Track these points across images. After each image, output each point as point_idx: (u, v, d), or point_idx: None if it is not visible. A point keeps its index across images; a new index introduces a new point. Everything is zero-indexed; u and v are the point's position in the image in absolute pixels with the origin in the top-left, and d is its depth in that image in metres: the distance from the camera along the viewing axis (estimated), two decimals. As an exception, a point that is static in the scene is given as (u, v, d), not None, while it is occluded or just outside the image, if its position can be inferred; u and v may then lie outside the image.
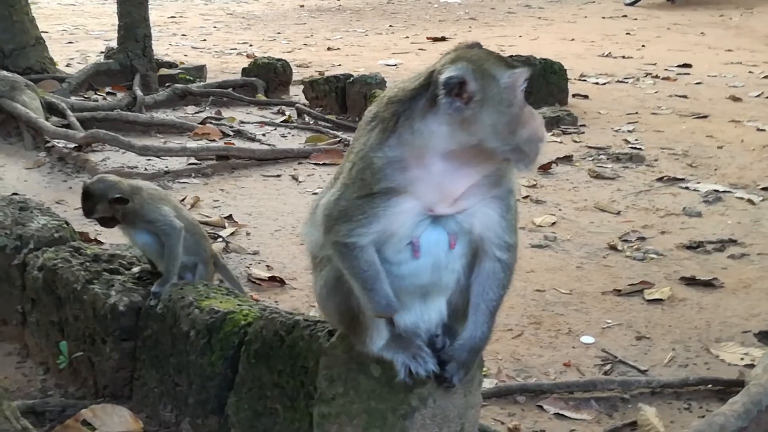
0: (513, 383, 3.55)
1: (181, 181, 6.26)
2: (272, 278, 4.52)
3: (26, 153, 6.91)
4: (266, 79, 9.26)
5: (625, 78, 10.49)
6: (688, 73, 10.75)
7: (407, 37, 14.43)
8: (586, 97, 9.27)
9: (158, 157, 6.66)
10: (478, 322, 2.21)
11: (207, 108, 8.55)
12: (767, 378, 3.23)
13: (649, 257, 4.92)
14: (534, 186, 6.18)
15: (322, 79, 8.71)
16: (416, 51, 12.77)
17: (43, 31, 9.79)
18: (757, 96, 9.43)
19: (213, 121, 7.90)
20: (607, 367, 3.73)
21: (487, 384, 3.48)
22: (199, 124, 7.72)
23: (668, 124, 8.14)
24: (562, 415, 3.37)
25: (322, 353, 2.44)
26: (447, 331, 2.28)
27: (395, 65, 11.39)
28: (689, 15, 16.72)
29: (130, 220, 3.31)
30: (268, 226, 5.34)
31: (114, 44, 9.59)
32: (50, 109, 7.46)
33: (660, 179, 6.37)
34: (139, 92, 8.36)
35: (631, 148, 7.19)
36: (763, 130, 7.88)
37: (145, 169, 6.51)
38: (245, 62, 9.99)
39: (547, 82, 8.58)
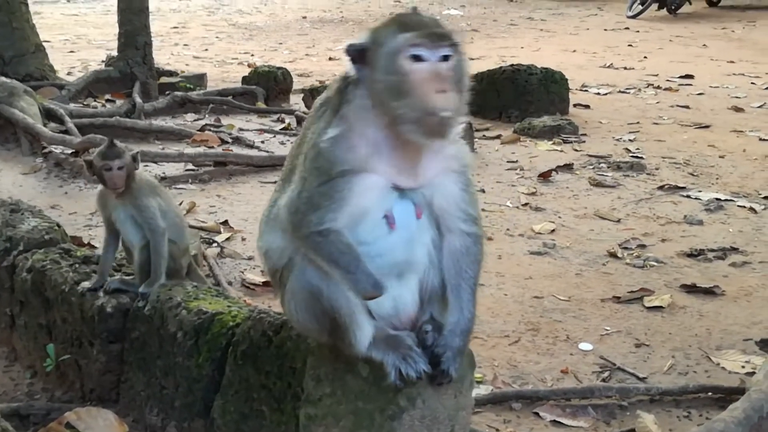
0: (509, 389, 3.47)
1: (177, 186, 6.22)
2: (266, 283, 4.44)
3: (23, 158, 6.88)
4: (266, 87, 9.22)
5: (627, 88, 10.45)
6: (690, 84, 10.71)
7: (409, 47, 14.42)
8: (587, 106, 9.23)
9: (155, 162, 6.63)
10: (463, 302, 2.20)
11: (206, 116, 8.51)
12: (768, 385, 3.16)
13: (649, 265, 4.84)
14: (534, 194, 6.12)
15: (323, 87, 8.67)
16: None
17: (45, 40, 9.79)
18: (760, 107, 9.38)
19: (212, 129, 7.87)
20: (606, 374, 3.65)
21: (483, 390, 3.41)
22: (197, 131, 7.69)
23: (669, 133, 8.09)
24: (559, 422, 3.28)
25: (310, 353, 2.38)
26: (436, 328, 2.22)
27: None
28: (692, 27, 16.72)
29: (125, 195, 3.22)
30: (264, 232, 5.29)
31: (115, 53, 9.58)
32: (48, 115, 7.43)
33: (661, 188, 6.31)
34: (138, 99, 8.33)
35: (632, 157, 7.13)
36: (766, 140, 7.83)
37: (142, 175, 6.47)
38: (246, 71, 9.96)
39: (548, 91, 8.55)
